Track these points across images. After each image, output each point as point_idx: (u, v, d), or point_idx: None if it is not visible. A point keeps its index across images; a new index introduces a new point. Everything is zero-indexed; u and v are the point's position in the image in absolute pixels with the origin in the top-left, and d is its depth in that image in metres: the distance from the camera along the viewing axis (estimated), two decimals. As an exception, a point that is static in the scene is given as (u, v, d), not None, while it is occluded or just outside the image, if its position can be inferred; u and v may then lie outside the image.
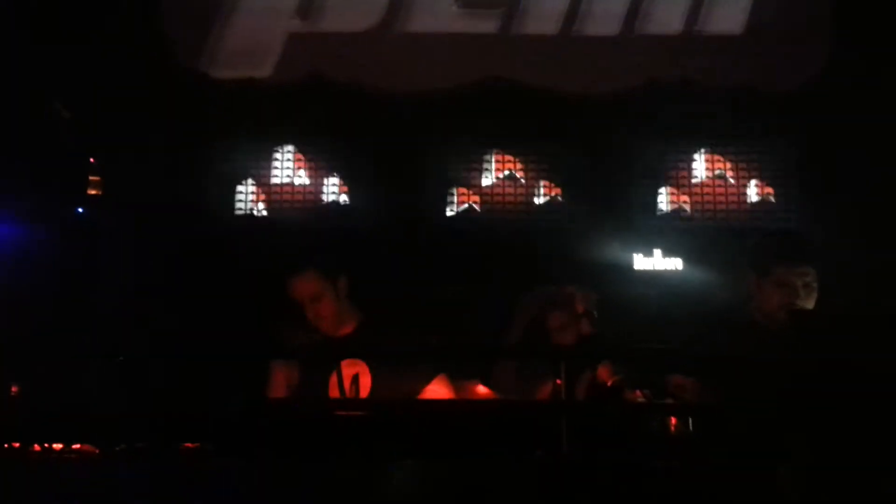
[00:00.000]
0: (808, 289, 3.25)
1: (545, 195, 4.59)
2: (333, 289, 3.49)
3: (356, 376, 3.40)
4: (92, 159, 4.39)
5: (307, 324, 3.49)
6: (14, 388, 3.02)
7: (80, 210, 4.37)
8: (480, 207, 4.58)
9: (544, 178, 4.60)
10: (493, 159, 4.62)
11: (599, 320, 3.66)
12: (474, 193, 4.59)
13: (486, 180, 4.61)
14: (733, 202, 4.58)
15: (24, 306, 3.85)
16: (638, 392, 2.96)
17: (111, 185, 4.38)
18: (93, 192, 4.37)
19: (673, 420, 2.81)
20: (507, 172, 4.61)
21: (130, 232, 4.32)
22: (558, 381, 2.79)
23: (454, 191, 4.59)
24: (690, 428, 2.80)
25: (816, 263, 3.29)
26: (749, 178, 4.60)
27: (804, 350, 2.62)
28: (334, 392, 3.38)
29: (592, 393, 3.08)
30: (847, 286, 3.54)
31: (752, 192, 4.60)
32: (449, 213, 4.58)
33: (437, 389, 3.40)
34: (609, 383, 3.01)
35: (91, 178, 4.37)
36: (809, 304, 3.25)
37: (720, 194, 4.59)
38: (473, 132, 4.60)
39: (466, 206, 4.59)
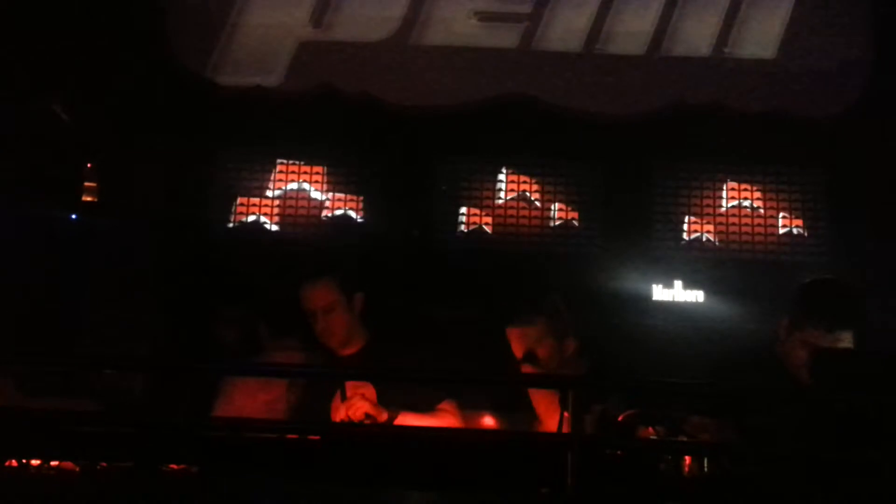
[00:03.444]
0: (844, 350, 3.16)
1: (560, 218, 4.58)
2: (348, 303, 3.47)
3: (362, 396, 3.36)
4: (89, 164, 4.41)
5: (304, 341, 3.47)
6: (-5, 400, 3.01)
7: (74, 216, 4.39)
8: (492, 228, 4.57)
9: (560, 201, 4.59)
10: (507, 179, 4.61)
11: (612, 352, 3.65)
12: (486, 213, 4.59)
13: (499, 200, 4.60)
14: (760, 233, 4.54)
15: (11, 313, 3.85)
16: (650, 428, 2.91)
17: (107, 192, 4.40)
18: (88, 198, 4.39)
19: (687, 460, 2.76)
20: (521, 192, 4.61)
21: (125, 241, 4.33)
22: (566, 413, 2.75)
23: (465, 210, 4.59)
24: (705, 469, 2.75)
25: (856, 326, 3.18)
26: (777, 209, 4.56)
27: (828, 389, 2.58)
28: (337, 413, 3.34)
29: (602, 427, 3.03)
30: (881, 325, 3.48)
31: (781, 223, 4.56)
32: (459, 232, 4.57)
33: (443, 416, 3.36)
34: (620, 417, 2.96)
35: (87, 183, 4.39)
36: None
37: (746, 224, 4.56)
38: (488, 150, 4.61)
39: (477, 226, 4.58)
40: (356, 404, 3.18)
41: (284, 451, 2.68)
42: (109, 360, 2.99)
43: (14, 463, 2.62)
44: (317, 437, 2.78)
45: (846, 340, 3.15)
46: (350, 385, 3.34)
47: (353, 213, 4.61)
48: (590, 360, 3.56)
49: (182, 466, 2.66)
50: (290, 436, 2.81)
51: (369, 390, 3.34)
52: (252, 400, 3.39)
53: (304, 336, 3.58)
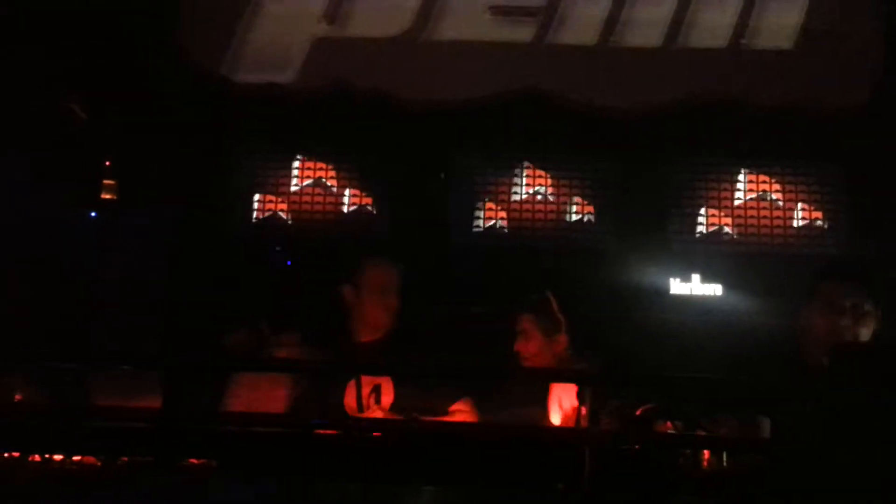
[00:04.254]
0: (859, 311, 3.18)
1: (577, 213, 4.60)
2: (398, 287, 3.54)
3: (377, 388, 3.41)
4: (107, 162, 4.47)
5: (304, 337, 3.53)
6: (18, 396, 3.08)
7: (94, 214, 4.45)
8: (508, 224, 4.60)
9: (577, 195, 4.61)
10: (524, 174, 4.64)
11: (629, 347, 3.67)
12: (502, 209, 4.62)
13: (516, 196, 4.63)
14: (778, 226, 4.55)
15: (33, 311, 3.91)
16: (668, 423, 2.93)
17: (126, 190, 4.46)
18: (107, 196, 4.45)
19: (706, 455, 2.79)
20: (537, 188, 4.63)
21: (144, 238, 4.38)
22: (582, 408, 2.78)
23: (482, 205, 4.62)
24: (724, 464, 2.77)
25: (873, 287, 3.22)
26: (796, 201, 4.57)
27: (849, 386, 2.59)
28: (351, 403, 3.38)
29: (619, 422, 3.06)
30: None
31: (799, 216, 4.56)
32: (475, 229, 4.60)
33: (461, 413, 3.40)
34: (638, 412, 2.99)
35: (105, 181, 4.45)
36: (863, 331, 3.20)
37: (764, 217, 4.57)
38: (504, 145, 4.64)
39: (494, 222, 4.62)
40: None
41: (302, 445, 2.72)
42: (123, 358, 3.04)
43: (38, 458, 2.68)
44: (332, 432, 2.82)
45: (863, 298, 3.17)
46: (367, 377, 3.38)
47: (367, 210, 4.66)
48: (589, 356, 3.60)
49: (202, 461, 2.71)
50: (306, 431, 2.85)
51: (386, 380, 3.38)
52: (259, 398, 3.44)
53: (304, 333, 3.64)
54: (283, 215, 4.66)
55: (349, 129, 4.63)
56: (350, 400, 3.37)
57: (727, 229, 4.58)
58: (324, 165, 4.70)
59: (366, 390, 3.38)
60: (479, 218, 4.62)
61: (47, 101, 4.41)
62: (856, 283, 3.21)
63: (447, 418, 3.35)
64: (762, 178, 4.61)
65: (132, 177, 4.53)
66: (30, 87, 4.33)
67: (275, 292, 4.12)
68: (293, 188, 4.68)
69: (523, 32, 4.67)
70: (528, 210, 4.61)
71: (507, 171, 4.65)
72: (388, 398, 3.40)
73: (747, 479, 2.72)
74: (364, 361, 3.43)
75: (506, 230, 4.61)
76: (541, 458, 2.65)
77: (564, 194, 4.62)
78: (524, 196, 4.63)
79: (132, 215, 4.44)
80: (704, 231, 4.58)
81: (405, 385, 3.37)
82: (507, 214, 4.61)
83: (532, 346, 3.63)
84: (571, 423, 3.22)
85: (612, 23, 4.64)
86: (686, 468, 2.76)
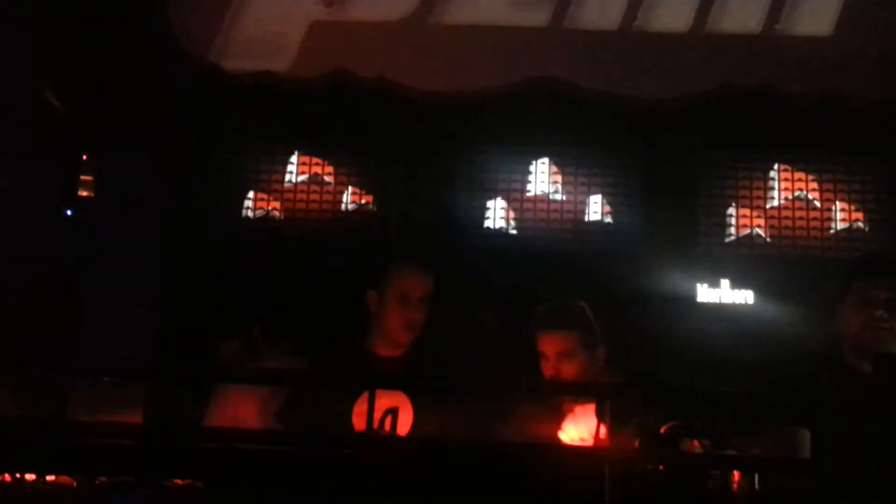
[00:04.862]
0: (895, 305, 3.22)
1: (596, 213, 4.59)
2: (429, 298, 3.55)
3: (393, 411, 3.38)
4: (85, 157, 4.47)
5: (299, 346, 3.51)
6: (-13, 411, 3.07)
7: (70, 213, 4.45)
8: (521, 224, 4.59)
9: (595, 194, 4.59)
10: (539, 170, 4.62)
11: (653, 359, 3.65)
12: (515, 208, 4.60)
13: (529, 193, 4.61)
14: (815, 227, 4.53)
15: (9, 316, 3.91)
16: (695, 442, 2.92)
17: (105, 187, 4.45)
18: (84, 193, 4.45)
19: (736, 476, 2.77)
20: (553, 185, 4.61)
21: (125, 240, 4.38)
22: (602, 425, 2.76)
23: (493, 204, 4.60)
24: (756, 486, 2.76)
25: None
26: (835, 201, 4.55)
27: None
28: (360, 425, 3.35)
29: (642, 440, 3.04)
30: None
31: (839, 217, 4.54)
32: (486, 228, 4.59)
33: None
34: (662, 430, 2.98)
35: (83, 177, 4.45)
36: None
37: (800, 218, 4.55)
38: (516, 138, 4.62)
39: (506, 221, 4.60)
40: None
41: (298, 466, 2.71)
42: (109, 368, 3.03)
43: (7, 477, 2.67)
44: (332, 452, 2.80)
45: None
46: (382, 392, 3.34)
47: (369, 208, 4.65)
48: (621, 368, 3.57)
49: (187, 481, 2.69)
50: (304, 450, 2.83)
51: (404, 400, 3.35)
52: (251, 413, 3.43)
53: (303, 341, 3.63)
54: (276, 213, 4.65)
55: (349, 122, 4.63)
56: (359, 421, 3.33)
57: (759, 231, 4.57)
58: (321, 160, 4.70)
59: (378, 414, 3.33)
60: (489, 218, 4.61)
61: (22, 91, 4.41)
62: (890, 277, 3.25)
63: None
64: (798, 175, 4.60)
65: (118, 174, 4.52)
66: (14, 80, 4.33)
67: (270, 296, 4.11)
68: (287, 184, 4.68)
69: (539, 16, 4.66)
70: (542, 209, 4.61)
71: (521, 166, 4.65)
72: (404, 424, 3.38)
73: (781, 501, 2.71)
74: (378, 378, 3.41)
75: (517, 231, 4.60)
76: (558, 478, 2.63)
77: (582, 192, 4.61)
78: (538, 194, 4.62)
79: (115, 214, 4.44)
80: (735, 233, 4.57)
81: (425, 409, 3.34)
82: (520, 214, 4.60)
83: (574, 367, 3.55)
84: (590, 442, 3.19)
85: (635, 6, 4.64)
86: (715, 491, 2.75)
